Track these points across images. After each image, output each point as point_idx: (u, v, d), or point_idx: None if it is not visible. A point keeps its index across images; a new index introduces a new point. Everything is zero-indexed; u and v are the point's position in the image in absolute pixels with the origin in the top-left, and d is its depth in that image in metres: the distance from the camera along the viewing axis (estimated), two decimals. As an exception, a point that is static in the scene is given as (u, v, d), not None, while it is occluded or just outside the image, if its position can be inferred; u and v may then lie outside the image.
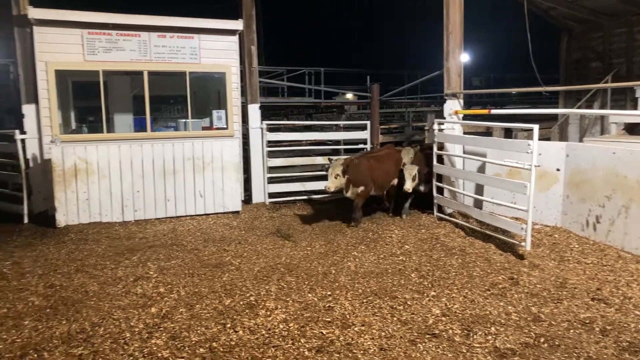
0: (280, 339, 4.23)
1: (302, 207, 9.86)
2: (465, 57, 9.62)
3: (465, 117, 9.25)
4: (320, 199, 10.33)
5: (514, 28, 12.52)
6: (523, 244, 6.44)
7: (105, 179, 8.51)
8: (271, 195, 10.19)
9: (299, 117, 19.60)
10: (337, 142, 12.09)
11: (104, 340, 4.22)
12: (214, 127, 9.82)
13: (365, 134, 10.67)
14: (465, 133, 8.89)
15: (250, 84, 10.27)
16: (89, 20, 8.63)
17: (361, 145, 10.89)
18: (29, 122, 8.81)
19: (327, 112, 19.33)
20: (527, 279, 5.60)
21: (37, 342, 4.24)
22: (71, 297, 5.22)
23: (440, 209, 8.57)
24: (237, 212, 9.28)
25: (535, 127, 6.32)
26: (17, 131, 8.61)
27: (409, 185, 8.13)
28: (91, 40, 8.79)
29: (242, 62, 10.14)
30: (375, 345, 4.12)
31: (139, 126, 9.43)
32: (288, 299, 5.08)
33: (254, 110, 10.20)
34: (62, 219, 8.23)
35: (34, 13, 8.25)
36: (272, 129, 10.46)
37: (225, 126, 9.80)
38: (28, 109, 8.80)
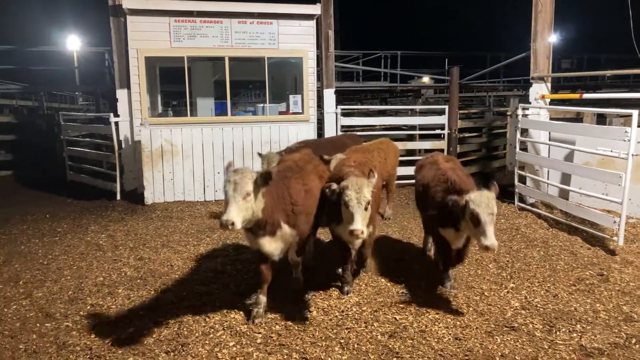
0: (354, 322, 4.27)
1: (376, 193, 9.78)
2: (554, 38, 8.98)
3: (553, 102, 8.68)
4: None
5: (614, 3, 11.47)
6: (615, 238, 5.99)
7: (188, 160, 8.98)
8: (344, 179, 10.21)
9: (373, 102, 19.42)
10: (412, 128, 11.85)
11: (186, 311, 4.49)
12: (290, 111, 9.99)
13: (442, 119, 10.36)
14: (551, 119, 8.35)
15: (326, 69, 10.30)
16: (176, 9, 9.06)
17: (438, 131, 10.59)
18: (122, 106, 9.45)
19: (402, 97, 18.95)
20: (618, 276, 5.20)
21: (129, 309, 4.61)
22: (158, 270, 5.59)
23: (522, 198, 8.16)
24: (311, 195, 9.40)
25: (635, 113, 5.79)
26: (111, 114, 9.29)
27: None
28: (177, 28, 9.22)
29: (318, 47, 10.18)
30: (449, 334, 4.04)
31: (220, 110, 9.81)
32: (361, 283, 5.11)
33: (329, 95, 10.23)
34: (149, 197, 8.82)
35: (128, 3, 8.79)
36: (346, 113, 10.45)
37: (301, 111, 9.93)
38: (121, 94, 9.44)
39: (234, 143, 9.18)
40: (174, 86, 11.67)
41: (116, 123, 9.30)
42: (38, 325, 4.36)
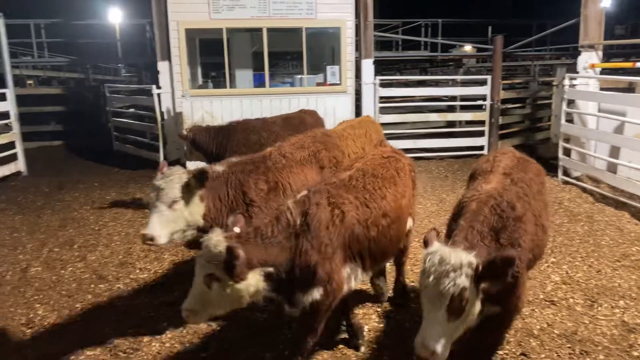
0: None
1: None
2: (607, 2, 8.48)
3: (604, 71, 8.28)
4: (434, 157, 10.07)
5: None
6: (665, 214, 5.76)
7: (228, 131, 9.12)
8: (382, 151, 10.15)
9: (413, 72, 19.00)
10: (453, 99, 11.58)
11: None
12: (328, 82, 9.93)
13: (484, 90, 10.06)
14: (601, 89, 7.98)
15: (364, 39, 10.14)
16: (215, -21, 9.06)
17: (480, 102, 10.32)
18: (164, 78, 9.64)
19: (442, 67, 18.47)
20: (667, 253, 5.04)
21: (176, 273, 4.85)
22: (201, 237, 5.81)
23: (566, 171, 7.92)
24: (349, 167, 9.42)
25: (693, 82, 5.46)
26: (153, 86, 9.51)
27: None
28: (216, -1, 9.25)
29: (356, 16, 10.00)
30: (487, 306, 4.06)
31: (258, 82, 9.86)
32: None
33: (368, 66, 10.09)
34: (191, 167, 9.04)
35: (167, -25, 8.85)
36: (384, 84, 10.30)
37: (338, 82, 9.86)
38: (162, 66, 9.61)
39: (272, 115, 9.22)
40: (213, 58, 11.77)
41: (158, 95, 9.52)
42: (92, 286, 4.65)
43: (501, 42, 10.00)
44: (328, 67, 9.91)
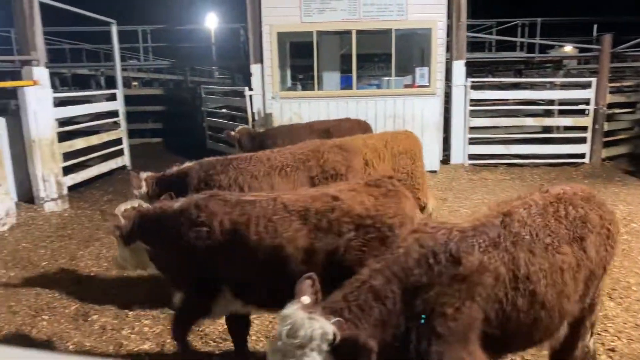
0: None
1: (506, 172, 9.23)
2: None
3: None
4: (528, 164, 9.51)
5: None
6: None
7: (314, 132, 9.27)
8: (471, 156, 9.79)
9: (506, 74, 18.08)
10: (550, 102, 10.85)
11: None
12: (416, 84, 9.75)
13: (588, 93, 9.33)
14: None
15: (456, 40, 9.82)
16: (307, -16, 9.26)
17: (582, 106, 9.58)
18: (255, 80, 10.01)
19: (539, 68, 17.38)
20: None
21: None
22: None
23: (684, 185, 7.11)
24: (435, 171, 9.20)
25: None
26: (246, 88, 9.91)
27: None
28: (307, 3, 9.43)
29: (448, 16, 9.72)
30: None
31: (345, 84, 9.92)
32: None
33: (459, 67, 9.76)
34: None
35: (262, -20, 9.19)
36: (476, 86, 9.91)
37: (427, 84, 9.64)
38: (255, 68, 9.99)
39: (358, 117, 9.22)
40: (301, 60, 12.04)
41: (250, 96, 9.90)
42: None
43: (609, 41, 9.22)
44: (417, 69, 9.74)
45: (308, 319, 1.80)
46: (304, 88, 10.79)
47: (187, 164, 4.35)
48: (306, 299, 1.95)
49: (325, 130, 6.79)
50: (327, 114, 9.22)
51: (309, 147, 4.48)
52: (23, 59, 7.28)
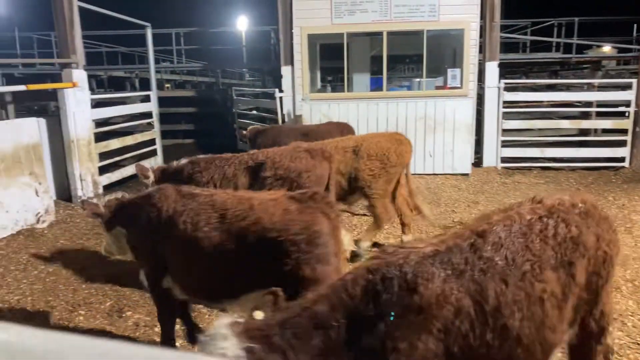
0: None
1: (540, 175, 9.01)
2: None
3: None
4: (563, 168, 9.26)
5: None
6: None
7: (344, 134, 9.26)
8: (504, 159, 9.59)
9: (540, 75, 17.66)
10: (588, 104, 10.52)
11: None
12: (448, 86, 9.62)
13: (628, 95, 9.01)
14: None
15: (489, 40, 9.64)
16: (338, -15, 9.25)
17: (622, 108, 9.26)
18: (286, 82, 10.07)
19: (575, 69, 16.90)
20: None
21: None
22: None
23: None
24: (466, 174, 9.05)
25: None
26: (276, 90, 9.98)
27: None
28: (338, 4, 9.43)
29: (481, 17, 9.55)
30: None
31: (375, 85, 9.87)
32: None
33: (492, 68, 9.59)
34: (307, 168, 9.35)
35: (294, -17, 9.25)
36: (509, 88, 9.70)
37: (459, 85, 9.50)
38: (285, 70, 10.05)
39: (388, 119, 9.20)
40: (331, 62, 12.05)
41: (280, 98, 9.96)
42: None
43: (652, 41, 8.87)
44: (449, 70, 9.61)
45: (222, 337, 1.73)
46: (334, 90, 10.79)
47: (184, 160, 4.72)
48: (259, 314, 1.90)
49: (305, 133, 7.02)
50: (357, 115, 9.20)
51: (276, 150, 4.67)
52: (63, 61, 7.53)
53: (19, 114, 8.33)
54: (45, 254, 5.70)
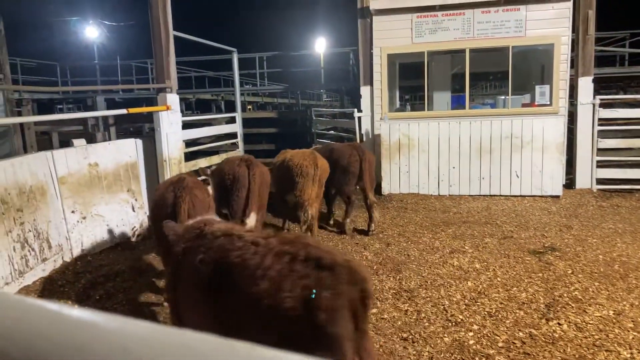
0: (616, 344, 3.69)
1: (642, 198, 8.24)
2: None
3: None
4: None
5: None
6: None
7: (424, 154, 9.10)
8: (600, 181, 8.89)
9: (639, 90, 16.28)
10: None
11: (425, 302, 4.57)
12: (535, 103, 9.16)
13: None
14: None
15: (583, 54, 9.08)
16: (418, 5, 9.22)
17: None
18: (365, 101, 10.13)
19: (682, 83, 15.40)
20: None
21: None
22: (396, 258, 5.85)
23: None
24: (557, 196, 8.49)
25: None
26: (355, 110, 10.05)
27: None
28: (419, 24, 9.38)
29: (572, 30, 9.03)
30: None
31: (456, 104, 9.63)
32: (624, 302, 4.38)
33: (586, 84, 9.00)
34: (386, 187, 9.27)
35: (374, 4, 9.35)
36: (605, 104, 9.04)
37: (548, 102, 9.01)
38: (364, 90, 10.12)
39: (471, 138, 8.90)
40: (411, 81, 11.97)
41: (359, 118, 10.02)
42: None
43: None
44: (537, 87, 9.17)
45: None
46: (413, 108, 10.68)
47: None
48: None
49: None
50: (437, 134, 9.01)
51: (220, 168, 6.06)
52: (159, 86, 8.12)
53: (118, 135, 9.08)
54: (136, 264, 6.05)
